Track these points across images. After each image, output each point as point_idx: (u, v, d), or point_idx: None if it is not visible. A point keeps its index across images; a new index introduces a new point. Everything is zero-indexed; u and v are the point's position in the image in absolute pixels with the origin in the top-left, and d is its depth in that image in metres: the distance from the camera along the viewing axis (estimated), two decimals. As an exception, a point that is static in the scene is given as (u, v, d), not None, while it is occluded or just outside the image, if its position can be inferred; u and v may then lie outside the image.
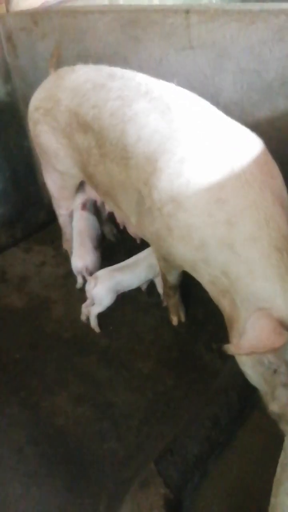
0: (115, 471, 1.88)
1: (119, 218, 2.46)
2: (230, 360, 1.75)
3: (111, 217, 2.64)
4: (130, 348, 2.34)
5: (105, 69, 2.15)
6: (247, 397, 1.90)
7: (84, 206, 2.66)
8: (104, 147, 2.03)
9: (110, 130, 1.97)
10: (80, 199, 2.65)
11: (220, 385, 2.00)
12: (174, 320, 2.41)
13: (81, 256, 2.58)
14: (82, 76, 2.17)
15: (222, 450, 1.85)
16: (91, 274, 2.52)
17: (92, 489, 1.84)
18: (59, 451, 1.96)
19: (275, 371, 1.59)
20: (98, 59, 2.37)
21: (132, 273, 2.38)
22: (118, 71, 2.10)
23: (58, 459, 1.94)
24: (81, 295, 2.56)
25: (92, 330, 2.42)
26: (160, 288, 2.48)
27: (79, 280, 2.65)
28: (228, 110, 1.98)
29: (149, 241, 2.12)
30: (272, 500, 1.08)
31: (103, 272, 2.36)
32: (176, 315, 2.41)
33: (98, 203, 2.64)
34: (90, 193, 2.59)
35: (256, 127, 1.91)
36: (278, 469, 1.10)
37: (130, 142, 1.88)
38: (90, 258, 2.57)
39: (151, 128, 1.83)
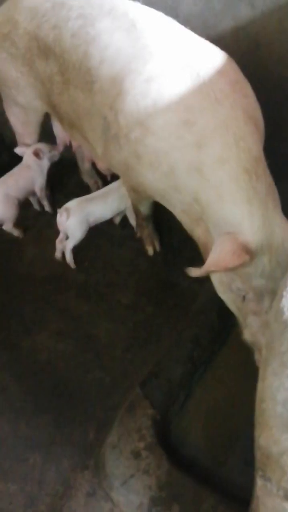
0: (101, 398, 1.89)
1: (87, 152, 2.35)
2: (208, 283, 1.75)
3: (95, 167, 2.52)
4: (107, 281, 2.32)
5: None
6: (227, 316, 1.91)
7: (36, 154, 2.45)
8: (67, 73, 1.90)
9: (72, 53, 1.84)
10: (38, 144, 2.49)
11: (199, 307, 2.01)
12: (150, 250, 2.37)
13: None
14: None
15: (205, 369, 1.88)
16: None
17: (80, 418, 1.86)
18: (44, 386, 1.97)
19: (244, 298, 1.61)
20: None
21: (104, 203, 2.30)
22: None
23: (44, 394, 1.94)
24: (52, 235, 2.48)
25: (67, 267, 2.36)
26: (132, 220, 2.43)
27: None
28: (189, 23, 1.88)
29: (117, 172, 2.04)
30: (260, 384, 1.07)
31: (74, 203, 2.27)
32: (151, 245, 2.36)
33: (74, 148, 2.50)
34: (62, 135, 2.45)
35: (219, 40, 1.82)
36: (264, 351, 1.10)
37: (93, 64, 1.77)
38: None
39: (116, 48, 1.71)
